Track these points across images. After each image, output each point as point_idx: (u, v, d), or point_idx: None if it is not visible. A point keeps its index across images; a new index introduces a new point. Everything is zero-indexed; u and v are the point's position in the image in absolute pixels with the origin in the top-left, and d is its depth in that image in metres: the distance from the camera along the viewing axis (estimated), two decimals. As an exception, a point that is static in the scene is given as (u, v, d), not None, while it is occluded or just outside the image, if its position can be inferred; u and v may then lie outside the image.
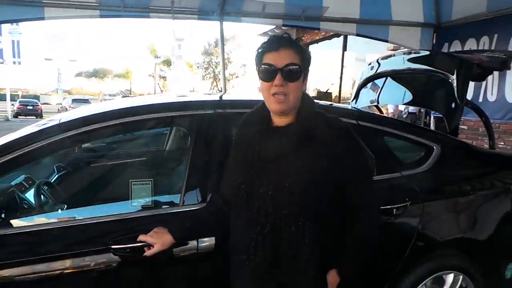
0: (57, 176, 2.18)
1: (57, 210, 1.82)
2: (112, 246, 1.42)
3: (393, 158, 1.97)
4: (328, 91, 9.54)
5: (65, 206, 1.86)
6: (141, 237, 1.41)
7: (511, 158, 2.30)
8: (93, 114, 1.75)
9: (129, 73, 45.75)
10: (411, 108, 7.42)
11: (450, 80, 2.22)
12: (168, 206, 1.65)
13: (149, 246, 1.40)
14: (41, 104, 27.60)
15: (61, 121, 1.69)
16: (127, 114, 1.69)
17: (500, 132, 5.41)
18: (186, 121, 1.78)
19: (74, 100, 26.08)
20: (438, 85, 2.35)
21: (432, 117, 5.26)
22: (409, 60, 2.55)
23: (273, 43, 1.21)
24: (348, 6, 4.58)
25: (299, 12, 4.42)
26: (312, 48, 12.07)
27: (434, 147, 2.04)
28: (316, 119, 1.25)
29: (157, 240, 1.38)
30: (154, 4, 3.98)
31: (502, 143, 5.22)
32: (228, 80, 34.59)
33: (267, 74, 1.20)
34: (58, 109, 25.76)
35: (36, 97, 38.72)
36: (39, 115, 22.46)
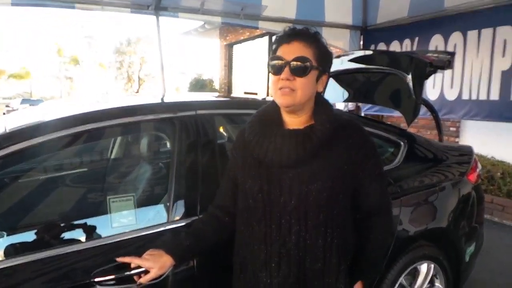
0: None
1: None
2: (95, 279, 1.17)
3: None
4: (254, 92, 9.59)
5: (5, 233, 1.49)
6: (133, 262, 1.18)
7: (459, 149, 2.50)
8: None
9: (28, 73, 40.77)
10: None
11: (407, 80, 2.32)
12: (154, 224, 1.40)
13: (140, 273, 1.18)
14: None
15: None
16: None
17: (418, 127, 5.99)
18: (166, 125, 1.54)
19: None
20: (395, 84, 2.45)
21: (363, 113, 5.59)
22: (365, 59, 2.62)
23: (288, 35, 1.10)
24: (285, 6, 4.61)
25: (239, 10, 4.31)
26: (236, 48, 12.10)
27: (401, 143, 2.12)
28: (335, 121, 1.15)
29: (154, 264, 1.16)
30: (81, -7, 3.51)
31: (420, 135, 5.78)
32: (143, 80, 33.08)
33: (276, 67, 1.09)
34: None
35: None
36: None
